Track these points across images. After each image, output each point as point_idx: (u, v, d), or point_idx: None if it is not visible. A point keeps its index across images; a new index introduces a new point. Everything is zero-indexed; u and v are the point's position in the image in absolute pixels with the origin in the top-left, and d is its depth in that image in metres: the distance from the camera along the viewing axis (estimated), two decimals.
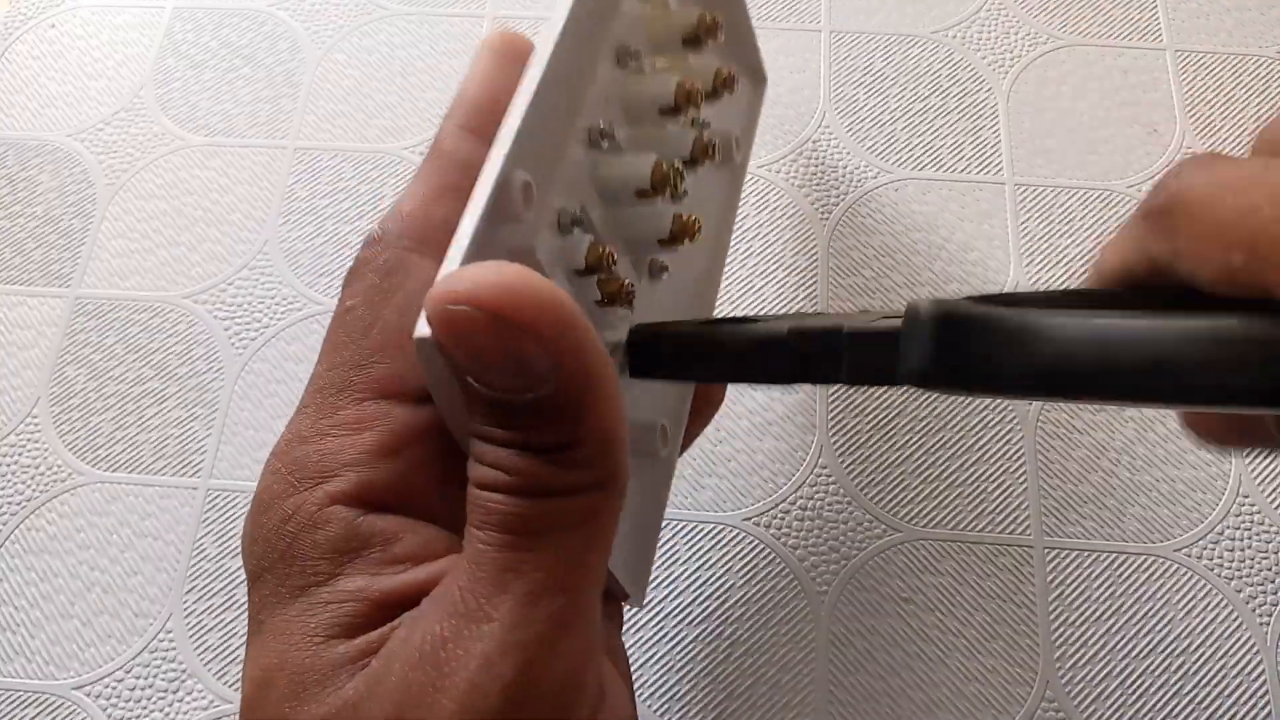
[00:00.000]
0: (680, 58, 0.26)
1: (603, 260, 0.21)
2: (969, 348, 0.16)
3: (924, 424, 0.33)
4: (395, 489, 0.17)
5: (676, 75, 0.23)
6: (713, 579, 0.31)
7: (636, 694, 0.30)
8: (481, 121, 0.20)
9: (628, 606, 0.24)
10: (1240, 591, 0.31)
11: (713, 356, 0.20)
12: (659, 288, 0.25)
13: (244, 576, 0.22)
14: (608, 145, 0.22)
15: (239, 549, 0.28)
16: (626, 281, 0.21)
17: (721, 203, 0.29)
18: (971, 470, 0.32)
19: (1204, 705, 0.29)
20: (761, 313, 0.35)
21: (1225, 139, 0.37)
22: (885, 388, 0.24)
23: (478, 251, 0.17)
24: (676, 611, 0.31)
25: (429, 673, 0.15)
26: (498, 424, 0.15)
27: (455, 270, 0.15)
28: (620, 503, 0.16)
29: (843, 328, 0.18)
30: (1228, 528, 0.31)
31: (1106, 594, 0.31)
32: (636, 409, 0.24)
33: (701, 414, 0.27)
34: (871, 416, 0.33)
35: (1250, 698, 0.29)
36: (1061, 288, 0.35)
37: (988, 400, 0.33)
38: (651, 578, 0.31)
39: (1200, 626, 0.30)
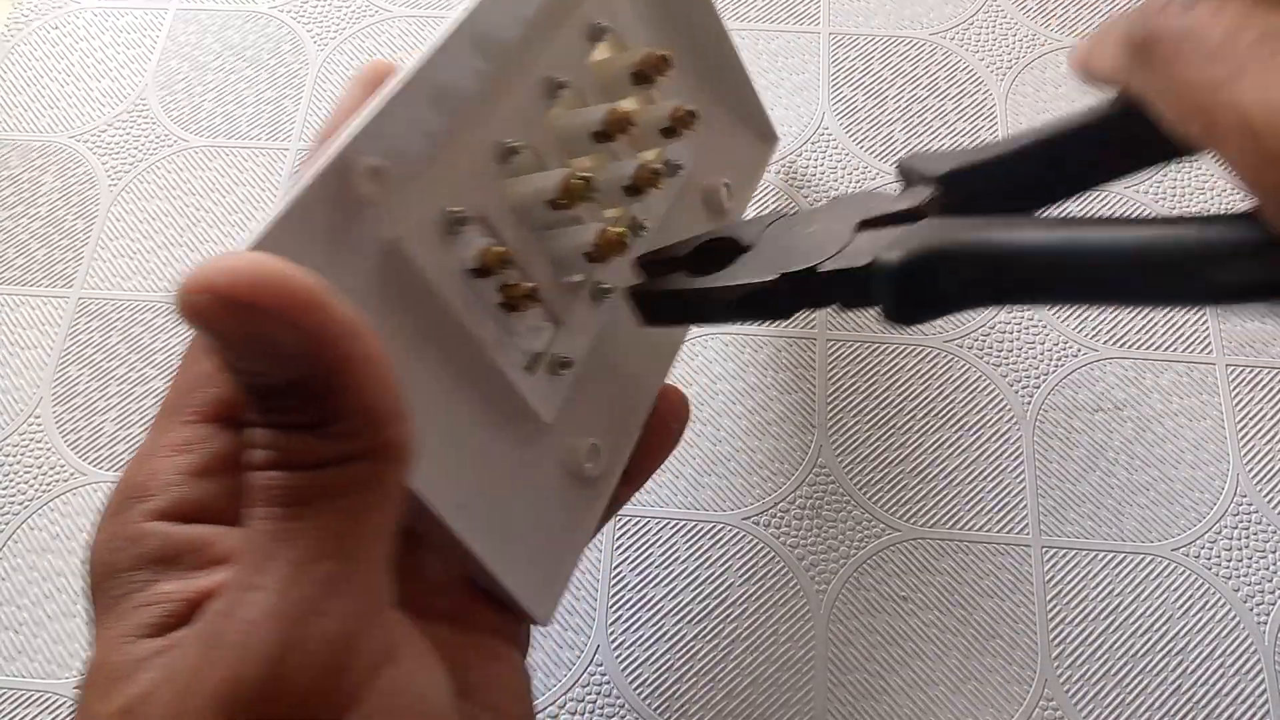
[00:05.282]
0: (644, 98, 0.26)
1: (497, 261, 0.21)
2: (932, 288, 0.19)
3: (922, 423, 0.33)
4: (214, 506, 0.18)
5: (615, 105, 0.23)
6: (712, 578, 0.31)
7: (636, 693, 0.30)
8: None
9: (535, 626, 0.23)
10: (1238, 591, 0.31)
11: (715, 306, 0.23)
12: (604, 312, 0.25)
13: None
14: (519, 161, 0.22)
15: None
16: (528, 285, 0.21)
17: None
18: (970, 469, 0.33)
19: (1202, 704, 0.29)
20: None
21: None
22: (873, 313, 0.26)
23: (290, 227, 0.17)
24: (676, 610, 0.31)
25: (205, 647, 0.15)
26: (261, 405, 0.16)
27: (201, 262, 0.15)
28: (401, 471, 0.16)
29: (817, 269, 0.21)
30: (1225, 527, 0.31)
31: (1104, 593, 0.31)
32: (565, 424, 0.24)
33: (656, 449, 0.27)
34: (870, 416, 0.33)
35: (1248, 696, 0.29)
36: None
37: (986, 399, 0.33)
38: (651, 577, 0.31)
39: (1198, 626, 0.30)
